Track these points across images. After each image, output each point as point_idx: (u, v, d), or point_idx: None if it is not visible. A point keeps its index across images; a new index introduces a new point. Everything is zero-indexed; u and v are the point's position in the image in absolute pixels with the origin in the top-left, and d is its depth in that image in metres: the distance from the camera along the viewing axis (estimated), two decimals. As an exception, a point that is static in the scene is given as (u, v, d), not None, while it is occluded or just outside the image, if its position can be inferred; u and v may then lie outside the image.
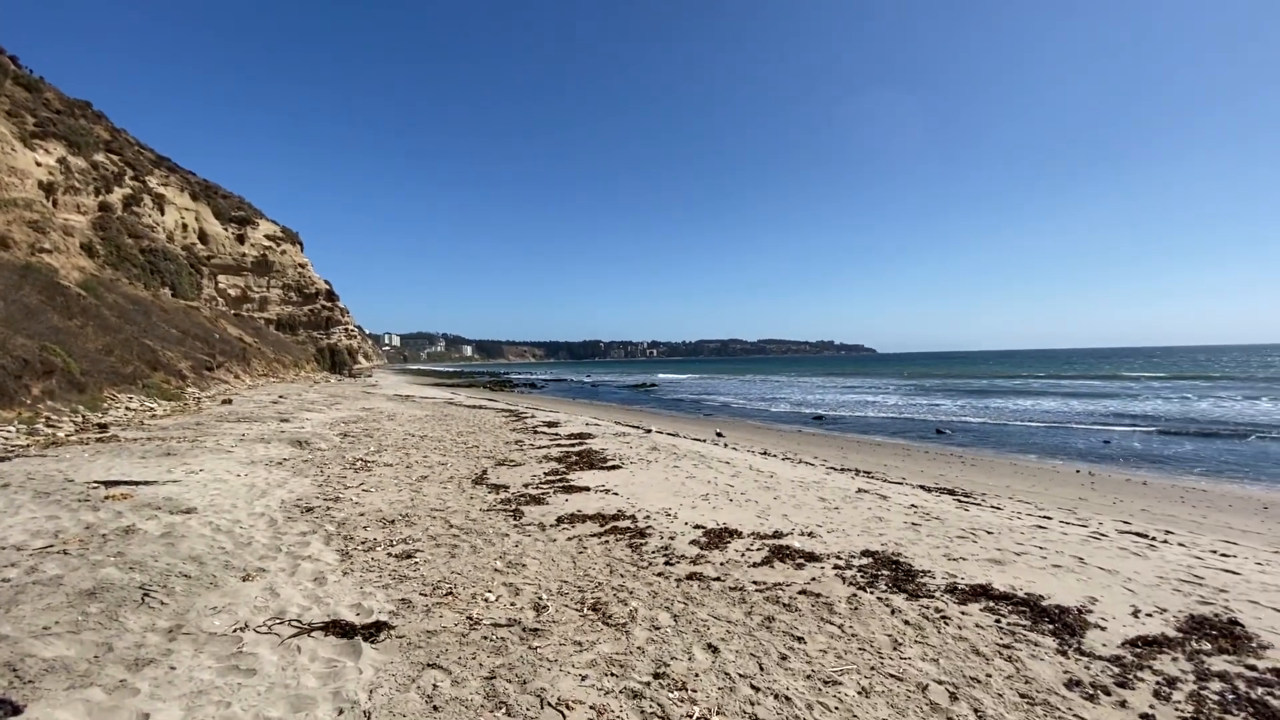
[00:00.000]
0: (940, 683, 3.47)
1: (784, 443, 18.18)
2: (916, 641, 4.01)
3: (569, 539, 6.46)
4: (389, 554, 5.53)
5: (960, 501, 8.95)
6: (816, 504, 8.24)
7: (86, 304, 22.74)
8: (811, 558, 5.88)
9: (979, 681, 3.49)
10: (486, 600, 4.58)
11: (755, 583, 5.20)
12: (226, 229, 68.53)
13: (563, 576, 5.26)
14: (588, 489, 9.00)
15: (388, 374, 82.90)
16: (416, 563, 5.31)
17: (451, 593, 4.68)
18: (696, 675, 3.55)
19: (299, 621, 3.95)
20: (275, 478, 8.21)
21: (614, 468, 10.95)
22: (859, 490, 9.37)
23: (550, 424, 18.47)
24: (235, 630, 3.76)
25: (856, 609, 4.62)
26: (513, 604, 4.58)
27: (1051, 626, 4.27)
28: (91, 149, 55.58)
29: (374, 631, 3.84)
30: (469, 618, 4.24)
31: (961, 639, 4.05)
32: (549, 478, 9.83)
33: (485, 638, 3.93)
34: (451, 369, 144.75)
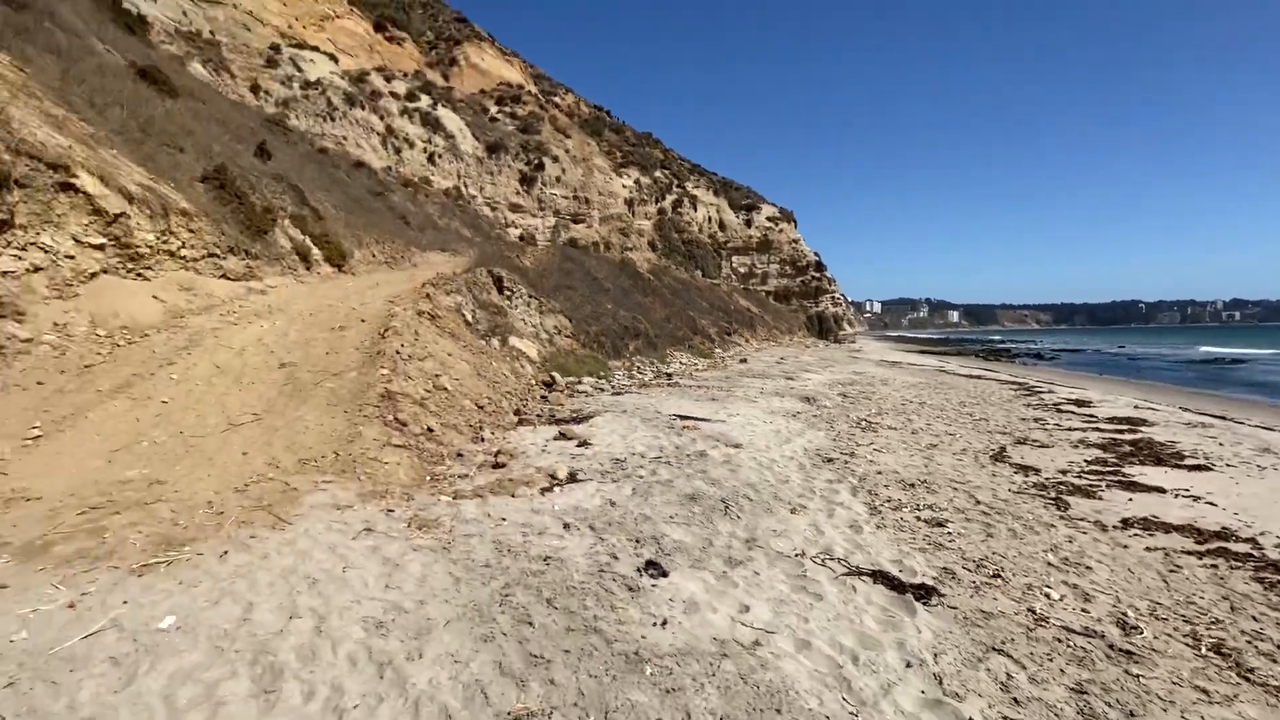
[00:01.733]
0: None
1: None
2: None
3: (1147, 549, 5.00)
4: (917, 517, 5.39)
5: None
6: None
7: (654, 285, 30.47)
8: None
9: None
10: (1047, 596, 3.92)
11: None
12: (738, 216, 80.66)
13: (1151, 596, 4.07)
14: (1160, 490, 6.87)
15: (869, 340, 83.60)
16: (950, 533, 5.00)
17: (999, 575, 4.19)
18: None
19: (846, 562, 4.20)
20: (793, 428, 9.21)
21: (1197, 468, 8.10)
22: None
23: (1078, 402, 15.08)
24: (795, 555, 4.27)
25: None
26: (1084, 610, 3.77)
27: None
28: (653, 168, 74.19)
29: (923, 594, 3.74)
30: (1030, 610, 3.69)
31: None
32: (1094, 467, 7.95)
33: (1059, 640, 3.33)
34: (935, 336, 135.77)
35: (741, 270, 77.50)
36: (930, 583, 3.95)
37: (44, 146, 7.95)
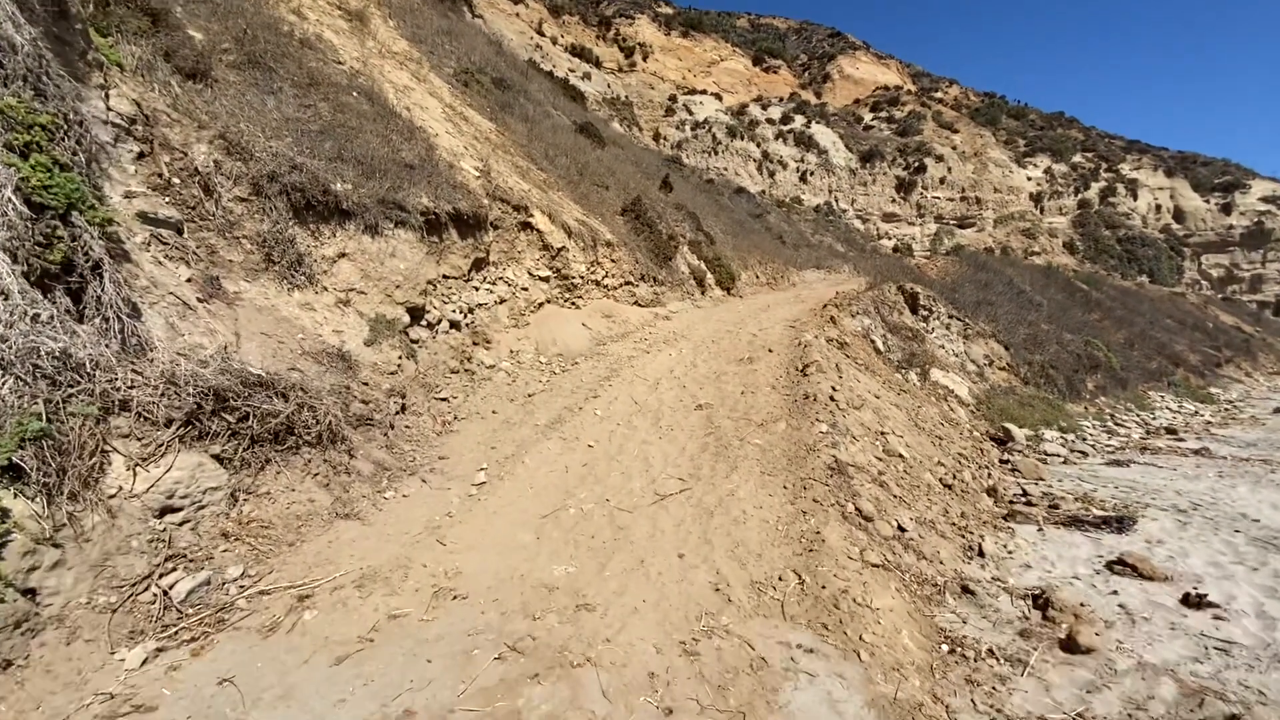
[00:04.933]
0: None
1: None
2: None
3: None
4: None
5: None
6: None
7: (1095, 299, 23.09)
8: None
9: None
10: None
11: None
12: (1206, 200, 59.15)
13: None
14: None
15: None
16: None
17: None
18: None
19: None
20: None
21: None
22: None
23: None
24: None
25: None
26: None
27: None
28: (1070, 153, 59.57)
29: None
30: None
31: None
32: None
33: None
34: None
35: (1215, 274, 56.27)
36: None
37: (511, 191, 8.89)
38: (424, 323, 6.63)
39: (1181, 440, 10.14)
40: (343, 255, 6.08)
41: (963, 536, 4.28)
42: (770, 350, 7.89)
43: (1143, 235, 52.52)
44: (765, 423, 5.19)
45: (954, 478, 5.44)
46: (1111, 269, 46.87)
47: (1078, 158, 59.60)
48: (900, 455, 4.98)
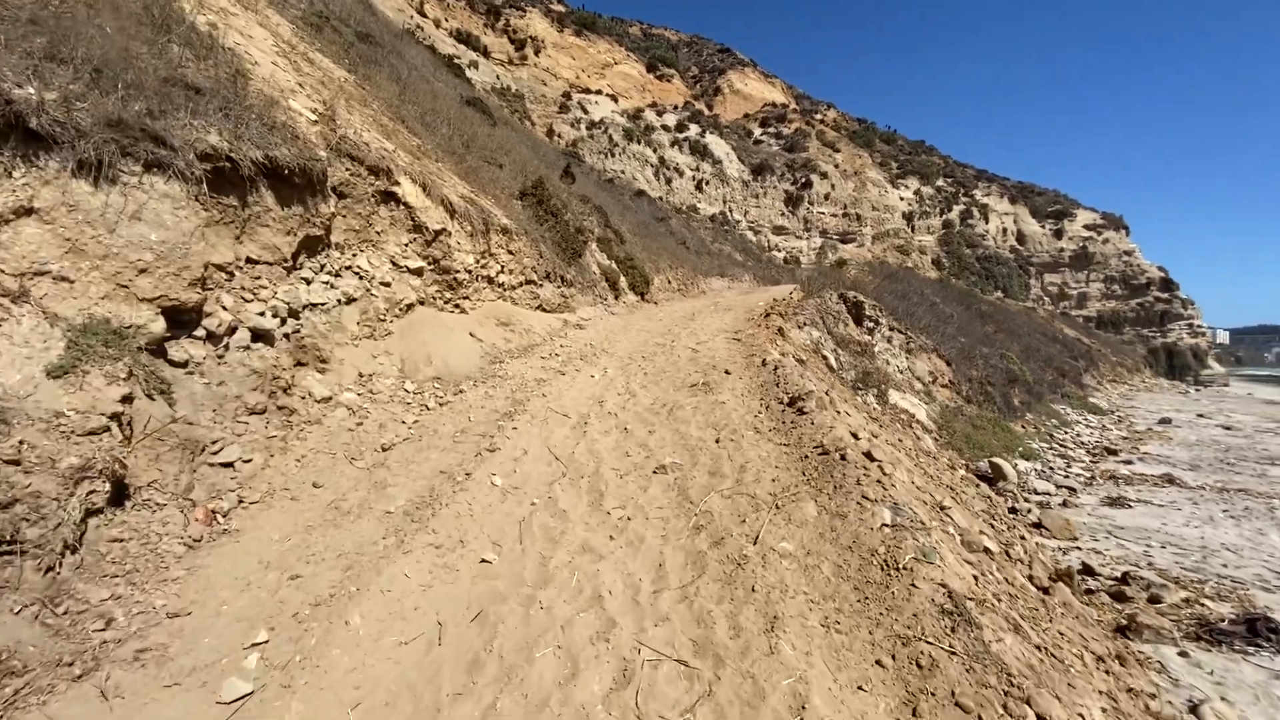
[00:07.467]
0: None
1: None
2: None
3: None
4: None
5: None
6: None
7: (985, 311, 23.82)
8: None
9: None
10: None
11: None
12: (1043, 226, 66.54)
13: None
14: None
15: (1239, 382, 58.91)
16: None
17: None
18: None
19: None
20: None
21: None
22: None
23: None
24: None
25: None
26: None
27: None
28: (934, 177, 64.56)
29: None
30: None
31: None
32: None
33: None
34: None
35: (1051, 290, 63.15)
36: None
37: (367, 148, 6.30)
38: (200, 333, 3.98)
39: (1130, 462, 9.54)
40: (27, 210, 3.35)
41: (1146, 711, 2.51)
42: (726, 372, 5.98)
43: (997, 254, 57.73)
44: (780, 502, 3.19)
45: (1028, 567, 3.75)
46: (973, 284, 50.82)
47: (940, 182, 64.67)
48: (987, 549, 3.18)
